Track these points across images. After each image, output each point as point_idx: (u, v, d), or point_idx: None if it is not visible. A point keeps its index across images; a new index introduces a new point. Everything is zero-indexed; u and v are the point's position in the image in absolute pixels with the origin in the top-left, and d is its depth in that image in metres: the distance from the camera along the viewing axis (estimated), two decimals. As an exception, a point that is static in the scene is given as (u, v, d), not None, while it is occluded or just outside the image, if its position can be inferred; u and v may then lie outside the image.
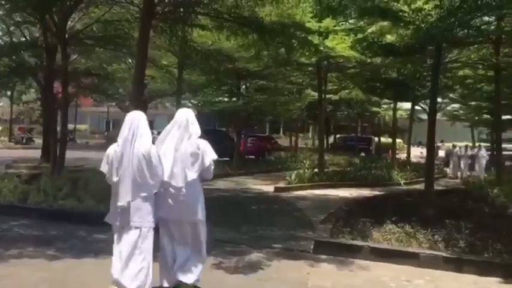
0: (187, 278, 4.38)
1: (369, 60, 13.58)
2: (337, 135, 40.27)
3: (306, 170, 15.80)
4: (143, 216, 4.23)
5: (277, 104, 20.69)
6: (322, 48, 11.55)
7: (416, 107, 25.19)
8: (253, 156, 26.47)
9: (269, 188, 13.30)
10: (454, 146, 20.45)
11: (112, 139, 6.75)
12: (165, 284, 4.47)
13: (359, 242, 6.64)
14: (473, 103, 25.28)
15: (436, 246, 6.68)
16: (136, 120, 4.29)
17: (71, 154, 23.83)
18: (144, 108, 8.95)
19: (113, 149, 4.31)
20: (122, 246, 4.22)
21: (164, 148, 4.42)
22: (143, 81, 9.02)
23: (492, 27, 11.91)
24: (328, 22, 12.89)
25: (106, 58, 15.71)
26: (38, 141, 36.58)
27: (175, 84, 18.77)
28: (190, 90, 19.26)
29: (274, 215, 9.32)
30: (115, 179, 4.25)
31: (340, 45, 12.87)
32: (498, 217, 9.44)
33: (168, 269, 4.47)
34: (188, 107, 26.21)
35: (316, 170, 16.52)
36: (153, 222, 4.30)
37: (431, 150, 9.82)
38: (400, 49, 9.15)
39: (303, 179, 14.43)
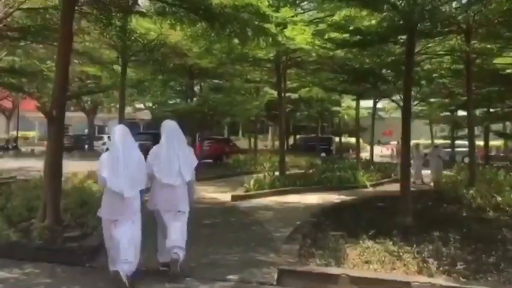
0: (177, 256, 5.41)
1: (331, 53, 12.45)
2: (298, 136, 39.31)
3: (267, 175, 14.48)
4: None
5: (233, 103, 19.33)
6: (280, 38, 10.25)
7: (378, 105, 24.53)
8: (210, 160, 25.13)
9: (226, 197, 11.86)
10: (417, 145, 19.15)
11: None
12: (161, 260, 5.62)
13: (334, 269, 5.32)
14: (434, 100, 24.81)
15: (426, 269, 5.46)
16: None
17: (7, 163, 21.82)
18: (63, 107, 7.38)
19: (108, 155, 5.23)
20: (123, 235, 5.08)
21: (167, 153, 5.51)
22: (67, 75, 7.42)
23: (462, 15, 11.03)
24: (286, 11, 11.63)
25: (41, 54, 13.88)
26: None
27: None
28: (137, 89, 17.57)
29: (230, 231, 7.88)
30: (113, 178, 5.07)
31: (300, 36, 11.63)
32: (483, 223, 8.43)
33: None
34: (139, 109, 24.73)
35: (277, 173, 15.25)
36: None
37: (407, 150, 8.72)
38: (373, 35, 7.97)
39: (263, 185, 13.09)
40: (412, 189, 9.70)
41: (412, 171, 16.14)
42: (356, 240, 6.83)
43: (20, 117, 49.72)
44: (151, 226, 5.73)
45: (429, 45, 12.42)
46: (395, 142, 32.61)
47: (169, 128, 5.63)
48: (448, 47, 12.78)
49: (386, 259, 5.79)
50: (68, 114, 32.04)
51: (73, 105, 36.99)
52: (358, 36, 9.11)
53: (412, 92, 21.49)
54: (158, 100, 19.33)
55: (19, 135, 49.46)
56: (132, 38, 10.05)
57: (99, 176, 5.19)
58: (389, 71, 9.47)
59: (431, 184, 15.88)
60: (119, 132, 5.31)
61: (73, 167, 17.25)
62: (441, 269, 5.54)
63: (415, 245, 6.28)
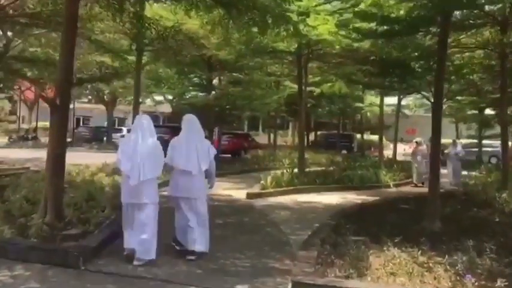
0: (198, 247, 5.80)
1: (355, 45, 11.76)
2: (318, 132, 38.54)
3: (285, 171, 13.87)
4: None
5: (252, 97, 18.74)
6: (302, 27, 9.63)
7: (402, 102, 23.66)
8: (229, 155, 24.64)
9: (241, 194, 11.30)
10: (454, 143, 16.50)
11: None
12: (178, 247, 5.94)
13: (356, 283, 4.71)
14: (461, 98, 23.78)
15: (461, 285, 4.82)
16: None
17: (24, 154, 21.71)
18: (67, 95, 6.93)
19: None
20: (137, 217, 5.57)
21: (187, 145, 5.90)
22: (72, 61, 6.95)
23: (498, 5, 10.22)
24: (308, 1, 11.02)
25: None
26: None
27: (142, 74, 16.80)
28: (154, 81, 17.13)
29: (243, 232, 7.31)
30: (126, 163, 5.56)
31: (323, 26, 10.99)
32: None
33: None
34: (159, 102, 24.37)
35: (296, 170, 14.64)
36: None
37: (437, 148, 8.02)
38: (402, 24, 7.28)
39: (281, 182, 12.48)
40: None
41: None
42: (380, 247, 6.21)
43: (42, 108, 50.14)
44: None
45: (460, 37, 11.63)
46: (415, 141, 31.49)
47: (189, 121, 6.12)
48: (480, 40, 11.98)
49: (415, 271, 5.16)
50: (89, 106, 32.15)
51: (93, 97, 36.99)
52: (386, 26, 8.43)
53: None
54: (176, 92, 18.85)
55: (41, 125, 49.93)
56: (146, 25, 9.50)
57: (117, 158, 5.74)
58: (418, 63, 8.72)
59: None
60: (137, 121, 5.91)
61: (89, 158, 16.99)
62: (477, 284, 4.89)
63: (447, 256, 5.62)
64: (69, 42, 6.88)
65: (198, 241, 5.80)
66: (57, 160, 6.86)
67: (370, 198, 11.57)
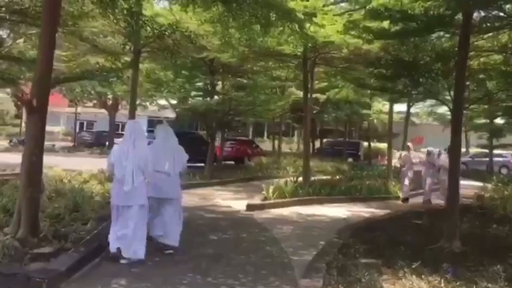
0: (171, 241, 6.29)
1: (364, 48, 11.02)
2: (324, 140, 37.74)
3: (289, 180, 13.08)
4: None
5: (256, 103, 18.00)
6: (308, 26, 8.91)
7: (411, 110, 22.87)
8: (232, 162, 23.93)
9: (241, 205, 10.52)
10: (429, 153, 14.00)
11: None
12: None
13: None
14: (473, 106, 22.95)
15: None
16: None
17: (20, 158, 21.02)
18: (47, 92, 6.23)
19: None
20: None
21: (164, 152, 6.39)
22: (51, 58, 6.25)
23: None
24: (315, 0, 10.31)
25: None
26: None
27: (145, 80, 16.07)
28: (154, 84, 16.43)
29: (239, 252, 6.51)
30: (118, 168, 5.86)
31: (330, 26, 10.27)
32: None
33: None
34: (163, 107, 23.65)
35: (300, 179, 13.86)
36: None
37: (457, 158, 7.25)
38: (418, 22, 6.53)
39: (284, 192, 11.71)
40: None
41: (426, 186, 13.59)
42: (394, 272, 5.45)
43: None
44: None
45: (476, 41, 10.85)
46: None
47: (164, 131, 6.62)
48: (497, 44, 11.18)
49: (438, 306, 4.39)
50: (93, 110, 31.42)
51: (96, 99, 36.34)
52: (400, 25, 7.69)
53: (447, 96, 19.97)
54: (177, 96, 18.15)
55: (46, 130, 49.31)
56: (141, 22, 8.81)
57: (107, 163, 6.02)
58: (435, 66, 7.94)
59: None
60: (129, 127, 6.06)
61: (88, 164, 16.27)
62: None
63: (474, 287, 4.83)
64: (47, 38, 6.19)
65: (174, 237, 6.28)
66: (32, 167, 6.14)
67: (379, 212, 10.78)
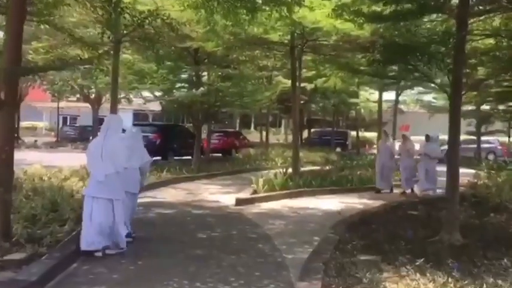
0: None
1: (354, 33, 10.60)
2: (312, 130, 37.46)
3: (279, 172, 12.68)
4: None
5: (242, 93, 17.54)
6: (298, 8, 8.46)
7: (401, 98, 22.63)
8: (219, 154, 23.50)
9: (230, 199, 10.08)
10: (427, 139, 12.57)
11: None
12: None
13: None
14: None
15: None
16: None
17: None
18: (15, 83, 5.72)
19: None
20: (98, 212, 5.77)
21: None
22: (19, 46, 5.72)
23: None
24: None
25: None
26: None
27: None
28: (136, 75, 15.83)
29: (229, 251, 6.07)
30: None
31: (320, 11, 9.83)
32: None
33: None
34: (149, 100, 23.02)
35: (289, 170, 13.48)
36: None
37: (455, 144, 6.91)
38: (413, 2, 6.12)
39: (274, 185, 11.30)
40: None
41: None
42: (396, 270, 5.10)
43: (29, 107, 48.62)
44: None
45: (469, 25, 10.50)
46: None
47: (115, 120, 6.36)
48: (491, 28, 10.84)
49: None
50: (76, 104, 30.49)
51: (78, 93, 35.51)
52: (393, 7, 7.29)
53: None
54: (160, 88, 17.58)
55: (28, 125, 48.39)
56: (119, 9, 8.26)
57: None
58: (432, 49, 7.54)
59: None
60: (106, 121, 6.19)
61: (71, 159, 15.67)
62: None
63: (485, 286, 4.48)
64: (15, 25, 5.67)
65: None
66: (2, 166, 5.64)
67: (373, 203, 10.43)
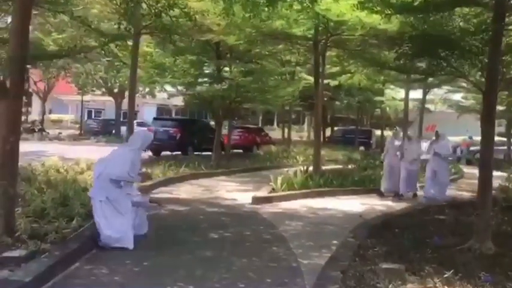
0: None
1: (380, 27, 10.09)
2: (335, 128, 36.85)
3: (298, 171, 12.28)
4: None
5: (264, 89, 17.14)
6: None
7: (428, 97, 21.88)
8: (240, 151, 23.22)
9: (247, 198, 9.72)
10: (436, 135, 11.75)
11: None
12: None
13: None
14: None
15: None
16: None
17: (25, 147, 20.51)
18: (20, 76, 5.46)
19: None
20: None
21: None
22: (26, 33, 5.48)
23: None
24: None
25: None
26: None
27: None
28: (157, 69, 15.61)
29: (241, 253, 5.71)
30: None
31: (344, 1, 9.37)
32: None
33: None
34: (172, 95, 22.87)
35: (310, 168, 13.05)
36: None
37: (489, 145, 6.40)
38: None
39: (293, 184, 10.91)
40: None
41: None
42: (421, 281, 4.67)
43: (56, 100, 49.34)
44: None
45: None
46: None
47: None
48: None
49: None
50: (100, 98, 30.72)
51: (103, 87, 35.71)
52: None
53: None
54: (181, 82, 17.34)
55: (55, 118, 49.15)
56: (136, -1, 8.00)
57: None
58: (467, 41, 6.99)
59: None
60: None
61: (92, 152, 15.52)
62: None
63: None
64: (21, 9, 5.41)
65: None
66: (5, 158, 5.41)
67: (396, 205, 9.96)
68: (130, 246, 5.67)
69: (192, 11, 8.54)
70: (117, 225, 5.72)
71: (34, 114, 45.63)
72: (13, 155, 5.49)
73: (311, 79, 17.50)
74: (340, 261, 5.19)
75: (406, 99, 18.39)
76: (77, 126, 45.36)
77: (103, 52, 8.39)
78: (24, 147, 20.77)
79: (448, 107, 33.61)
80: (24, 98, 46.05)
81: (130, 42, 12.07)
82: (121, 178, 5.89)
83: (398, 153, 11.77)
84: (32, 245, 5.07)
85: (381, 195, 11.43)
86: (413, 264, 5.17)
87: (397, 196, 11.23)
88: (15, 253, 4.79)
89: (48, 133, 33.31)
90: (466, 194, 11.92)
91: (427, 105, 29.94)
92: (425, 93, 20.65)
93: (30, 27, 14.88)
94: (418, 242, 6.18)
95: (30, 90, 44.82)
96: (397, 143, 11.99)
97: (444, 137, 11.67)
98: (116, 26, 11.35)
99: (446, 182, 11.15)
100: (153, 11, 8.18)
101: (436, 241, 6.24)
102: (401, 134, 12.52)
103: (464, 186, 15.22)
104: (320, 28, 12.44)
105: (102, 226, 5.76)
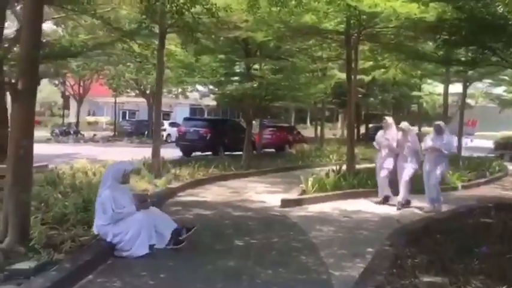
0: None
1: (416, 16, 9.43)
2: (370, 125, 35.88)
3: (331, 171, 11.74)
4: None
5: (295, 87, 16.65)
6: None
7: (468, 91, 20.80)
8: (272, 150, 22.82)
9: (276, 200, 9.29)
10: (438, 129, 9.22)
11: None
12: None
13: None
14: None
15: None
16: None
17: (60, 148, 20.73)
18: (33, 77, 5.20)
19: None
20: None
21: None
22: (39, 32, 5.22)
23: None
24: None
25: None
26: None
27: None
28: (185, 68, 15.38)
29: (267, 263, 5.29)
30: None
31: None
32: None
33: None
34: (205, 95, 22.80)
35: (344, 167, 12.48)
36: None
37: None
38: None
39: (325, 185, 10.39)
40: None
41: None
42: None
43: (92, 102, 50.34)
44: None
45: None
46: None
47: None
48: None
49: None
50: (134, 99, 31.07)
51: (136, 89, 36.03)
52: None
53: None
54: (209, 81, 17.09)
55: (91, 120, 50.19)
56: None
57: None
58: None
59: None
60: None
61: (124, 153, 15.44)
62: None
63: None
64: (33, 7, 5.15)
65: None
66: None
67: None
68: (144, 251, 5.48)
69: (215, 7, 8.18)
70: (128, 235, 5.45)
71: (71, 116, 46.65)
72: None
73: (343, 76, 16.92)
74: (375, 274, 4.68)
75: (445, 94, 17.46)
76: (112, 127, 46.09)
77: (132, 54, 8.11)
78: (59, 149, 21.03)
79: (490, 102, 32.17)
80: (62, 100, 46.97)
81: (157, 41, 11.92)
82: (108, 222, 5.66)
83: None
84: (45, 255, 4.81)
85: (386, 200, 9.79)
86: (458, 277, 4.62)
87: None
88: (25, 265, 4.52)
89: (83, 135, 33.85)
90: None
91: (467, 100, 28.69)
92: (465, 87, 19.56)
93: (59, 29, 14.97)
94: (462, 250, 5.59)
95: (67, 93, 46.04)
96: (410, 140, 9.77)
97: (447, 132, 9.52)
98: (143, 25, 11.23)
99: (436, 186, 9.23)
100: (174, 8, 7.84)
101: (483, 249, 5.64)
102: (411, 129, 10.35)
103: (508, 184, 14.34)
104: (352, 21, 11.89)
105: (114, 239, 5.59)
